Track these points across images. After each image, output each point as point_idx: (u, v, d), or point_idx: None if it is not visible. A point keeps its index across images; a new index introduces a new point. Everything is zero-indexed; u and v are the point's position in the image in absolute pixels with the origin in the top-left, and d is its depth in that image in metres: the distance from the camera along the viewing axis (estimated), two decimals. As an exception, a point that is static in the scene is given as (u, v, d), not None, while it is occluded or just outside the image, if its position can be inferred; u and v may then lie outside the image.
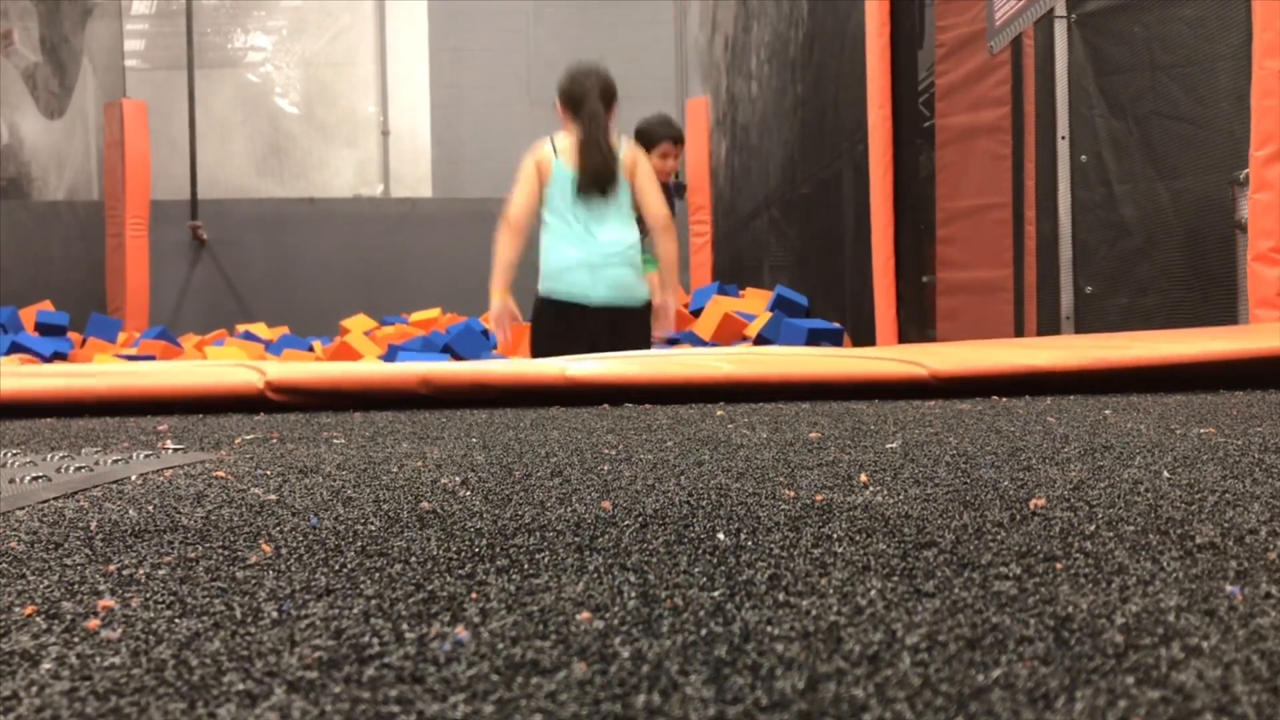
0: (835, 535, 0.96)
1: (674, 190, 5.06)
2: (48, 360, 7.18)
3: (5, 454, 1.69)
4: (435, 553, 0.93)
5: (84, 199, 10.99)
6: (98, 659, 0.66)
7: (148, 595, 0.81)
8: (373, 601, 0.78)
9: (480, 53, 11.72)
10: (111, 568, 0.90)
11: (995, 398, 2.36)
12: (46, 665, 0.66)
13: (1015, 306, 4.86)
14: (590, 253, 3.96)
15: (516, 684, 0.60)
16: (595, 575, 0.84)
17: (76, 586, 0.84)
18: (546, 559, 0.90)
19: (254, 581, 0.84)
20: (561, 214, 3.98)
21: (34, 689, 0.61)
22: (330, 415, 2.33)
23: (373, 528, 1.04)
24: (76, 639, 0.71)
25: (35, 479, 1.39)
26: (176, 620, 0.74)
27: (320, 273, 10.73)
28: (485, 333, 7.09)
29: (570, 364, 2.57)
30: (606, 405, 2.42)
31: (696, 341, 6.17)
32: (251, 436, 1.92)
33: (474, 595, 0.79)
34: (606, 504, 1.14)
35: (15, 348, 7.31)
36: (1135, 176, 3.80)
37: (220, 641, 0.69)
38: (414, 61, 11.80)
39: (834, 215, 6.56)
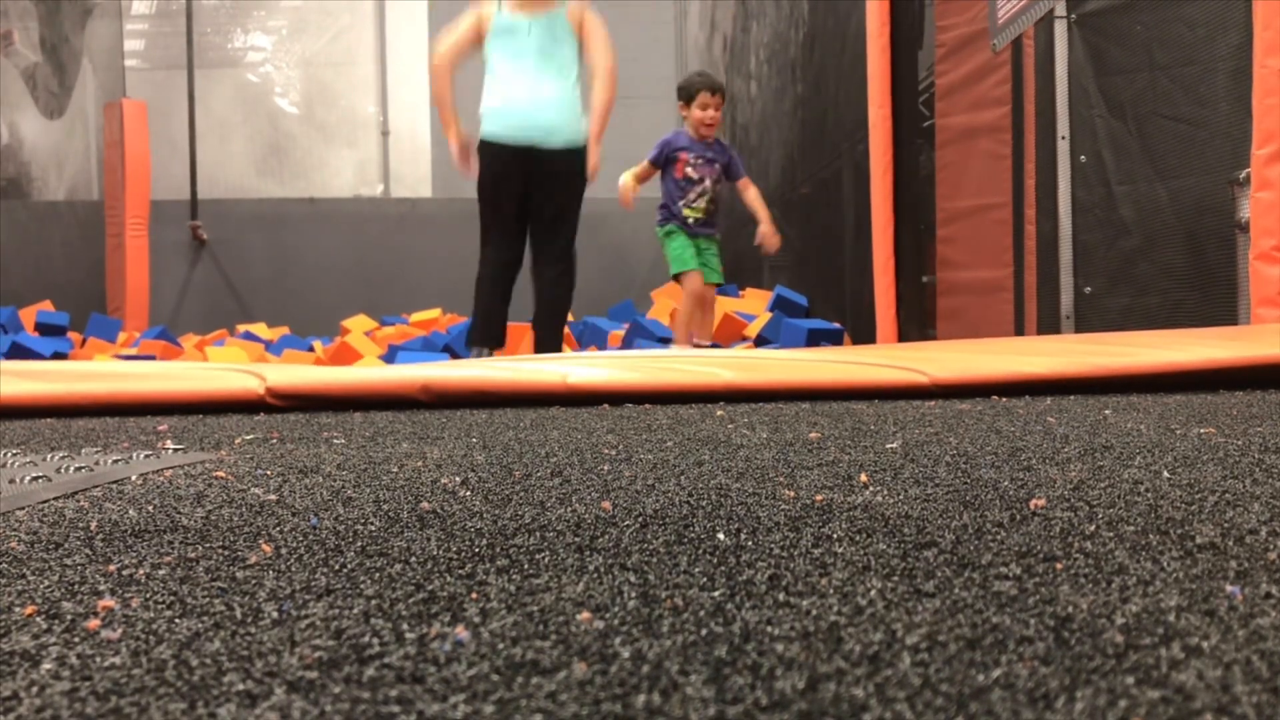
0: (835, 535, 0.96)
1: (737, 161, 5.14)
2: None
3: (5, 454, 1.69)
4: (435, 553, 0.93)
5: (84, 199, 11.00)
6: (98, 659, 0.66)
7: (148, 595, 0.81)
8: (373, 601, 0.78)
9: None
10: (111, 568, 0.90)
11: (995, 398, 2.36)
12: (47, 665, 0.66)
13: (1015, 306, 4.86)
14: (531, 97, 4.28)
15: (517, 684, 0.60)
16: (595, 575, 0.84)
17: (76, 586, 0.84)
18: (546, 559, 0.90)
19: (254, 581, 0.84)
20: (504, 60, 4.29)
21: (34, 689, 0.61)
22: (330, 415, 2.33)
23: (373, 528, 1.04)
24: (77, 639, 0.71)
25: (35, 479, 1.39)
26: (177, 620, 0.74)
27: (320, 273, 10.72)
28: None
29: (571, 371, 2.58)
30: (606, 405, 2.42)
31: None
32: (251, 436, 1.92)
33: (474, 595, 0.79)
34: (606, 504, 1.14)
35: (15, 347, 7.30)
36: (1135, 176, 3.80)
37: (220, 641, 0.69)
38: (414, 61, 11.79)
39: (834, 215, 6.56)
